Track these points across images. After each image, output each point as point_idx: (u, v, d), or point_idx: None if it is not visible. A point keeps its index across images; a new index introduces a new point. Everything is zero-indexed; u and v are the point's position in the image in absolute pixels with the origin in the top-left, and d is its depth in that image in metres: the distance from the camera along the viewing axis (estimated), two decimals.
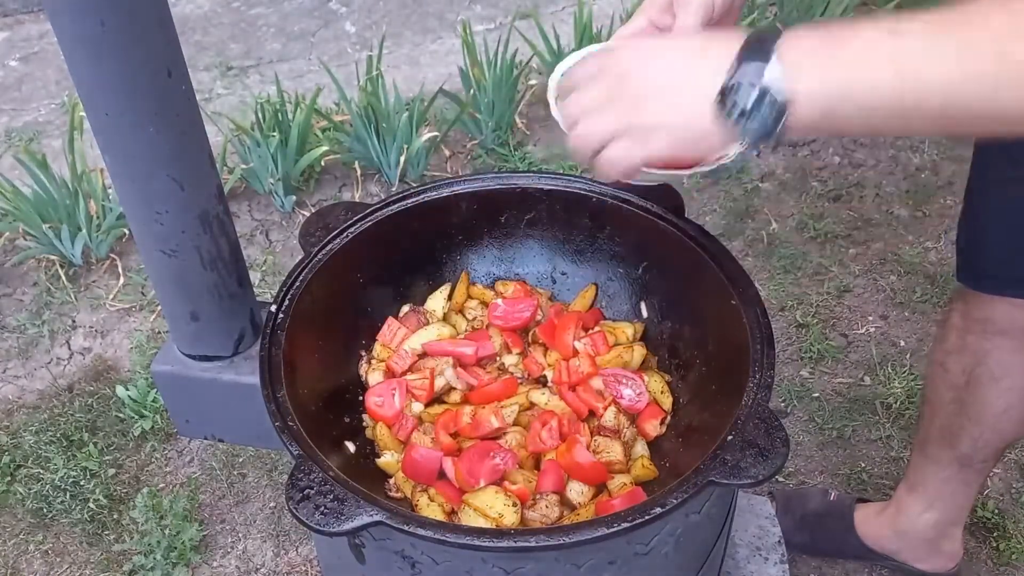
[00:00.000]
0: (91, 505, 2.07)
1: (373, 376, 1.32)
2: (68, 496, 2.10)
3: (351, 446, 1.23)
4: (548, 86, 1.17)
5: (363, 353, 1.36)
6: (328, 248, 1.28)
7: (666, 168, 1.01)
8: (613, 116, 0.84)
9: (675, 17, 1.14)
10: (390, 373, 1.32)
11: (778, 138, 0.79)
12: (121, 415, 2.26)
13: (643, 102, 0.83)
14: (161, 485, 2.14)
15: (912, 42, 0.73)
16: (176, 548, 1.97)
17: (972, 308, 1.48)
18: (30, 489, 2.12)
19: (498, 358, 1.34)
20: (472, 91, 2.92)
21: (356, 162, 2.84)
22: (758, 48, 0.77)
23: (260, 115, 2.71)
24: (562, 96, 0.91)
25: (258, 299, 1.39)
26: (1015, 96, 0.71)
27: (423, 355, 1.33)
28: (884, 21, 0.75)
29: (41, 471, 2.15)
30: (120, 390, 2.26)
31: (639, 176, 0.94)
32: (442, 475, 1.19)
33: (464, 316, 1.41)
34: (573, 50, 3.11)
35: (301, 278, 1.24)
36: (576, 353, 1.31)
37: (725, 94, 0.78)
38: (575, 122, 0.88)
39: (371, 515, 0.95)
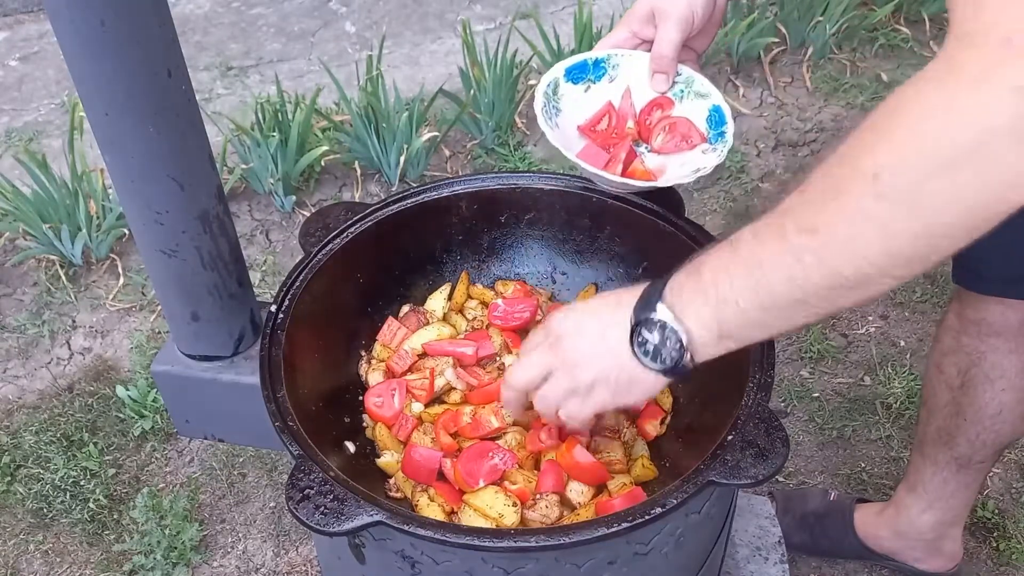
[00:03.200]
0: (91, 505, 2.07)
1: (373, 376, 1.32)
2: (68, 496, 2.10)
3: (351, 446, 1.23)
4: (536, 95, 1.18)
5: (363, 353, 1.36)
6: (328, 248, 1.28)
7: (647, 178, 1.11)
8: (557, 383, 0.99)
9: (656, 29, 1.16)
10: (390, 373, 1.32)
11: (693, 363, 0.90)
12: (121, 415, 2.26)
13: (577, 368, 0.96)
14: (161, 485, 2.14)
15: (744, 251, 0.82)
16: (176, 548, 1.97)
17: (967, 309, 1.48)
18: (30, 489, 2.12)
19: (498, 358, 1.34)
20: (472, 91, 2.92)
21: (356, 162, 2.84)
22: (647, 299, 0.90)
23: (260, 115, 2.71)
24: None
25: (258, 299, 1.39)
26: (857, 259, 0.74)
27: (423, 355, 1.33)
28: (723, 241, 0.85)
29: (41, 471, 2.15)
30: (120, 390, 2.26)
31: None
32: (442, 475, 1.19)
33: (464, 316, 1.41)
34: (573, 51, 3.12)
35: (301, 278, 1.24)
36: None
37: (633, 341, 0.91)
38: (533, 389, 1.02)
39: (371, 515, 0.95)
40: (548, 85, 1.22)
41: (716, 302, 0.84)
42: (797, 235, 0.76)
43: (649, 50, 1.21)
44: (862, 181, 0.71)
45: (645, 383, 0.94)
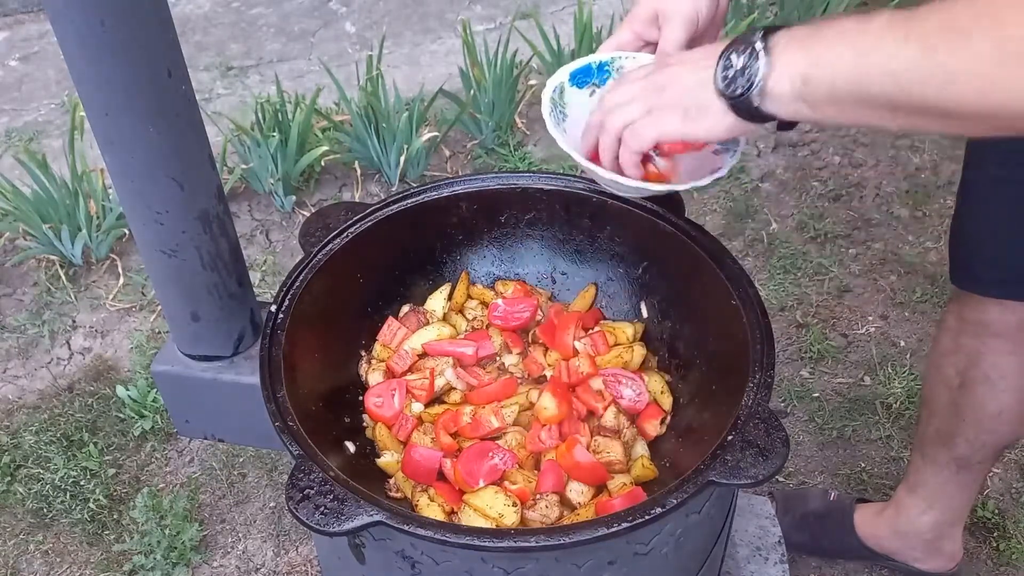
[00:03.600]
0: (91, 505, 2.07)
1: (373, 376, 1.32)
2: (68, 496, 2.10)
3: (351, 446, 1.23)
4: (543, 100, 1.18)
5: (363, 353, 1.36)
6: (328, 248, 1.28)
7: (664, 179, 1.12)
8: (637, 104, 1.00)
9: (660, 30, 1.15)
10: (390, 373, 1.32)
11: (760, 109, 0.89)
12: (121, 415, 2.26)
13: (661, 89, 0.98)
14: (161, 485, 2.14)
15: (872, 31, 0.81)
16: (176, 548, 1.97)
17: (966, 310, 1.48)
18: (30, 489, 2.12)
19: (498, 358, 1.34)
20: (472, 91, 2.92)
21: (356, 162, 2.84)
22: (751, 33, 0.89)
23: (260, 115, 2.71)
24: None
25: (258, 299, 1.39)
26: (955, 92, 0.75)
27: (423, 355, 1.33)
28: (861, 15, 0.83)
29: (41, 471, 2.15)
30: (120, 390, 2.26)
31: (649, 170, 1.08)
32: (442, 475, 1.19)
33: (464, 316, 1.41)
34: (574, 51, 3.12)
35: (301, 278, 1.24)
36: (576, 353, 1.31)
37: (720, 65, 0.91)
38: (610, 110, 1.02)
39: (371, 515, 0.95)
40: (554, 90, 1.21)
41: (814, 60, 0.84)
42: (920, 45, 0.76)
43: (653, 51, 1.20)
44: (994, 35, 0.72)
45: (713, 114, 0.93)
